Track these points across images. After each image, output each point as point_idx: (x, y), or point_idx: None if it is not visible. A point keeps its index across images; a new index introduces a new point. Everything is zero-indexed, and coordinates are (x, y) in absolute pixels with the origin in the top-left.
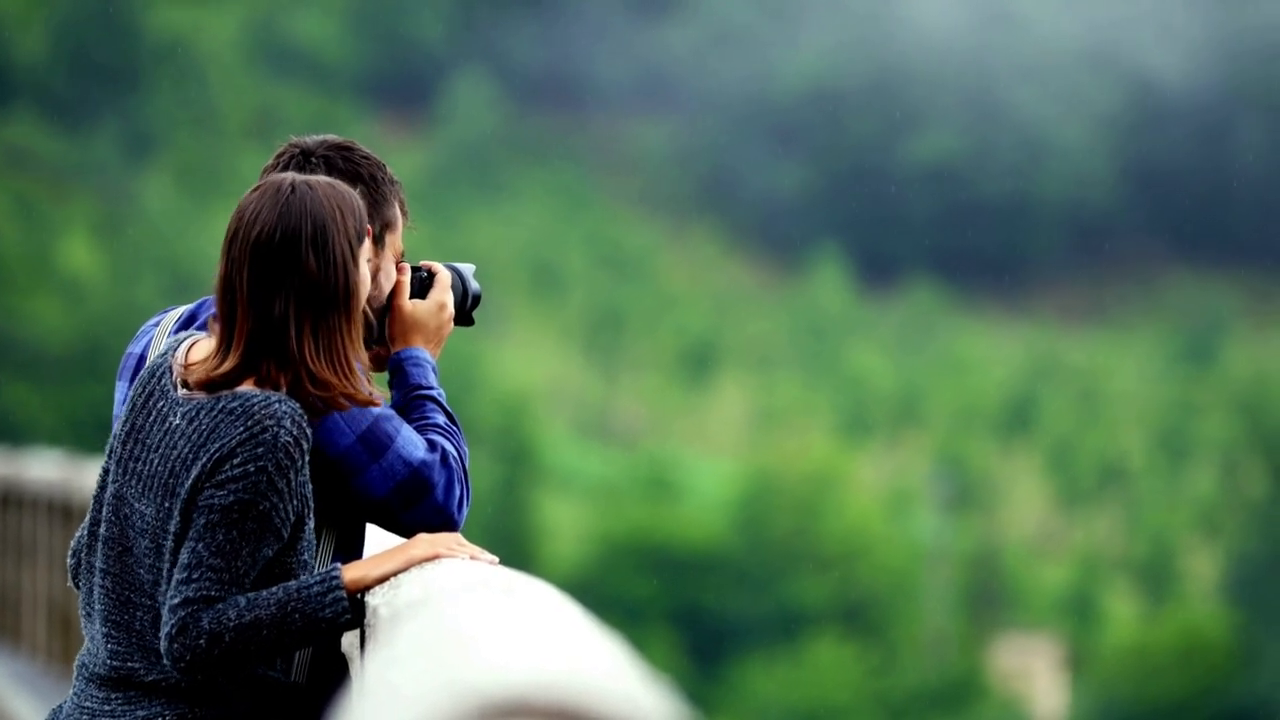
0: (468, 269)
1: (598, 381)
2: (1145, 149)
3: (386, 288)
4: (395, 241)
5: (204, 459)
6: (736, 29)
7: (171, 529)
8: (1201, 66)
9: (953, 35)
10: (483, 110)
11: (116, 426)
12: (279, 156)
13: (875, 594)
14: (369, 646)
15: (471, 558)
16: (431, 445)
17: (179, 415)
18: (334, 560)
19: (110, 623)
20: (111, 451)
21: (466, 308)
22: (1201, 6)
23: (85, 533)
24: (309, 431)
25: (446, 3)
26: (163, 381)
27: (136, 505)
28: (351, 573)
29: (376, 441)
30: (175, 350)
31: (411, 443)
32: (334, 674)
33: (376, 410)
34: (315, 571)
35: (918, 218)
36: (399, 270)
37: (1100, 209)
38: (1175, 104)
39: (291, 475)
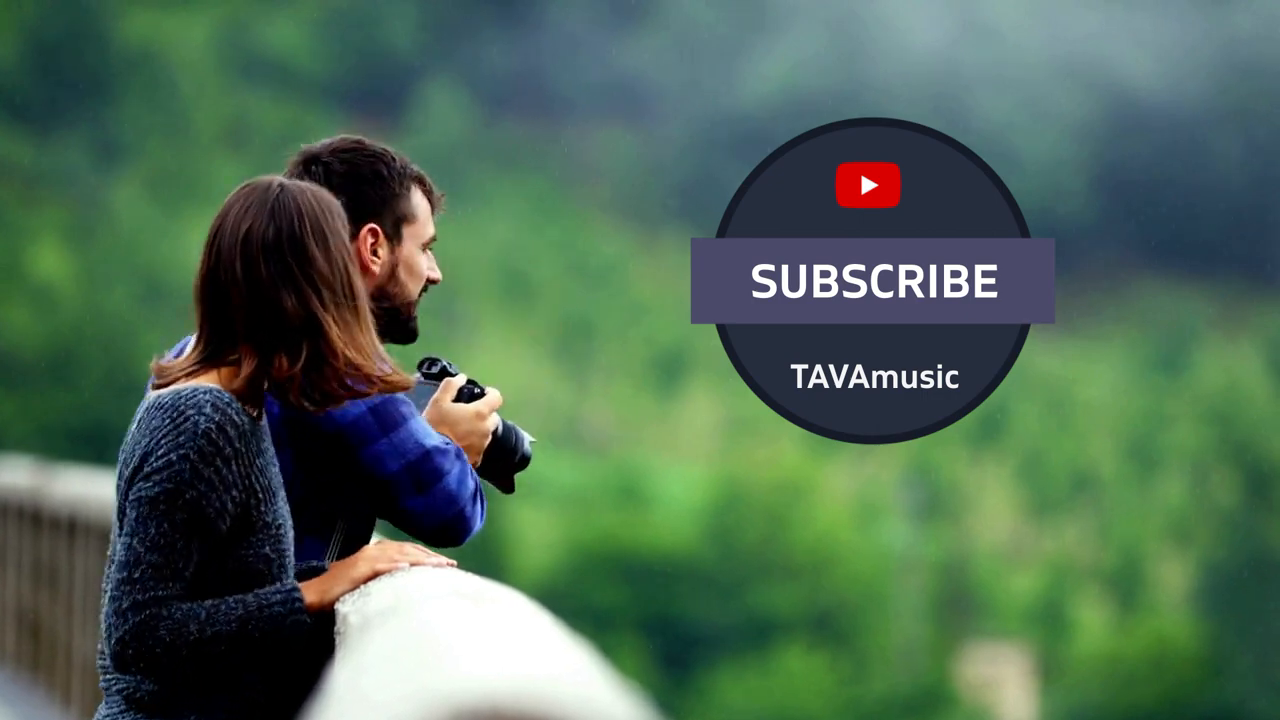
0: (527, 435)
1: (568, 389)
2: (1118, 159)
3: (410, 284)
4: (418, 231)
5: (137, 455)
6: (707, 38)
7: (117, 529)
8: (1175, 77)
9: (926, 44)
10: (453, 119)
11: None
12: (290, 165)
13: (845, 602)
14: (339, 654)
15: (415, 563)
16: (447, 440)
17: (139, 414)
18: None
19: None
20: None
21: (514, 463)
22: (1176, 18)
23: None
24: (239, 419)
25: (417, 12)
26: (148, 384)
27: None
28: (311, 594)
29: (389, 417)
30: (167, 354)
31: (425, 429)
32: (307, 677)
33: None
34: (277, 586)
35: None
36: (450, 376)
37: (1072, 218)
38: (1148, 114)
39: (219, 463)
